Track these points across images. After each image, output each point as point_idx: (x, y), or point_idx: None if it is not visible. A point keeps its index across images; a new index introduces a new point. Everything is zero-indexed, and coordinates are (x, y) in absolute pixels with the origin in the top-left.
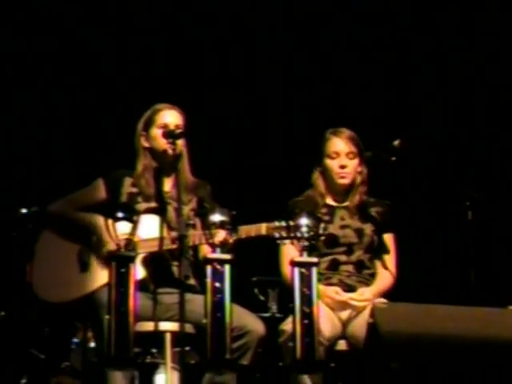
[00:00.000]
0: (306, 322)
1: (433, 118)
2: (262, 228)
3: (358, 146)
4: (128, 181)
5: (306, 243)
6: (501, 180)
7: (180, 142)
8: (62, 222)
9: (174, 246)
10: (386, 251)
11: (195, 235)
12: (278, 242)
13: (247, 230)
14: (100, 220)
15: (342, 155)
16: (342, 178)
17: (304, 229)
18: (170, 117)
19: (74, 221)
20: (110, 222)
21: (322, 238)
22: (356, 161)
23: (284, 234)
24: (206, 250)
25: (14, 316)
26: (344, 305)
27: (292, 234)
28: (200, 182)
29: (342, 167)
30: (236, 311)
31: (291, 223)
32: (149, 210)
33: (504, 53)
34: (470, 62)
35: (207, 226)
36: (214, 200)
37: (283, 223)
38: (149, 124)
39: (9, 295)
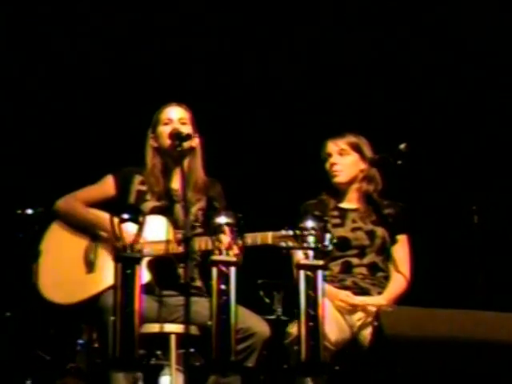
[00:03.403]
0: (311, 324)
1: (439, 122)
2: (268, 237)
3: (350, 144)
4: (137, 178)
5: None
6: (507, 183)
7: (186, 144)
8: (70, 216)
9: (180, 250)
10: (399, 253)
11: (201, 240)
12: (284, 251)
13: (253, 238)
14: (108, 216)
15: (333, 155)
16: (334, 176)
17: (310, 238)
18: (174, 112)
19: (81, 215)
20: (115, 220)
21: (330, 248)
22: (349, 158)
23: (290, 243)
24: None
25: (19, 317)
26: (355, 308)
27: (298, 244)
28: (211, 180)
29: (332, 165)
30: (241, 313)
31: (298, 232)
32: (156, 210)
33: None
34: (474, 65)
35: (212, 229)
36: (225, 199)
37: (290, 232)
38: (156, 123)
39: (14, 296)
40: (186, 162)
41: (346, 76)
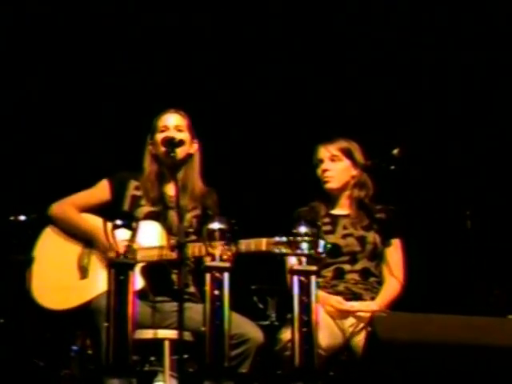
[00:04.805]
0: (304, 330)
1: (432, 126)
2: (262, 243)
3: (342, 150)
4: (132, 184)
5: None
6: (500, 187)
7: (179, 150)
8: (63, 223)
9: (174, 256)
10: (393, 257)
11: (195, 246)
12: (278, 258)
13: (247, 245)
14: (100, 224)
15: (324, 160)
16: (326, 182)
17: (304, 244)
18: (170, 119)
19: (75, 224)
20: (109, 226)
21: (323, 255)
22: (341, 164)
23: (284, 249)
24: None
25: (13, 323)
26: (346, 313)
27: (292, 251)
28: (208, 189)
29: (324, 171)
30: (235, 319)
31: (291, 238)
32: (150, 216)
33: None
34: (471, 70)
35: (206, 235)
36: (219, 208)
37: (284, 238)
38: (154, 130)
39: (8, 302)
40: (183, 169)
41: (340, 80)
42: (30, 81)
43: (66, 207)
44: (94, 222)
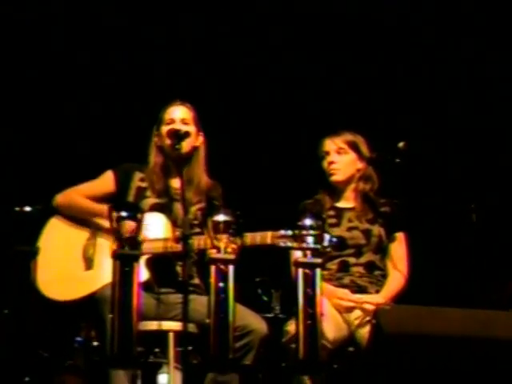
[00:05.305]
0: (309, 322)
1: (437, 119)
2: (268, 236)
3: (348, 143)
4: (137, 175)
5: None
6: (505, 181)
7: (185, 143)
8: (69, 208)
9: (179, 248)
10: (397, 251)
11: (200, 239)
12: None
13: (252, 238)
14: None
15: (331, 153)
16: (332, 174)
17: (310, 238)
18: (176, 112)
19: (82, 206)
20: (113, 215)
21: (328, 249)
22: (347, 157)
23: (289, 243)
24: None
25: (17, 314)
26: (352, 306)
27: (297, 244)
28: (212, 182)
29: (330, 163)
30: (239, 311)
31: (297, 232)
32: (156, 207)
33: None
34: (472, 64)
35: (211, 227)
36: (224, 201)
37: (289, 232)
38: (160, 122)
39: (12, 293)
40: (188, 162)
41: (345, 73)
42: (33, 71)
43: (70, 194)
44: (101, 205)
